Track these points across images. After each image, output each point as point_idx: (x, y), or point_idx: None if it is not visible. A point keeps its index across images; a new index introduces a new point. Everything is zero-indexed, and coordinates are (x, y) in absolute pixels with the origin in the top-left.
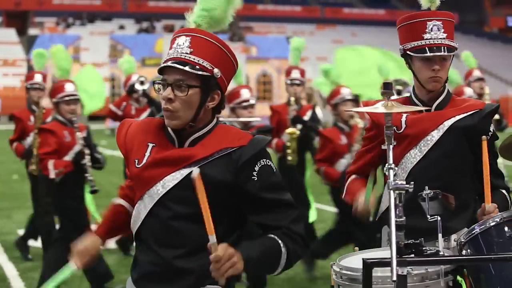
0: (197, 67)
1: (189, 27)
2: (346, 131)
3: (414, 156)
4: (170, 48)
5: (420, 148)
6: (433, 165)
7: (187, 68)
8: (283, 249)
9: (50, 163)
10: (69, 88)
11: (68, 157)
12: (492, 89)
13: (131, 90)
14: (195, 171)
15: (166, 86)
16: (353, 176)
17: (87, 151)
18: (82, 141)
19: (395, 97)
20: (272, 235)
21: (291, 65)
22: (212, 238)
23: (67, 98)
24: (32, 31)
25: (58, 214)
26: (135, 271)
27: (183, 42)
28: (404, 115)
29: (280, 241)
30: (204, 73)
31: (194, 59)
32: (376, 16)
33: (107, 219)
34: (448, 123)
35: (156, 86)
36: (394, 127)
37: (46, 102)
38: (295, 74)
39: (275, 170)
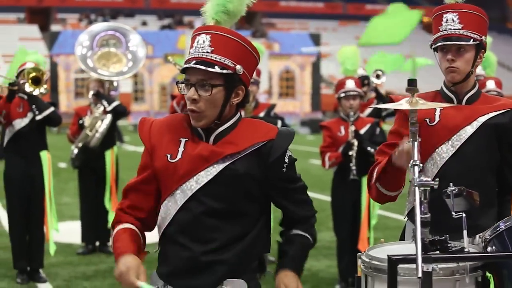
0: (220, 66)
1: (207, 24)
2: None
3: (446, 151)
4: (191, 47)
5: (452, 143)
6: (465, 161)
7: (209, 69)
8: (311, 239)
9: None
10: None
11: None
12: None
13: None
14: None
15: (190, 86)
16: None
17: None
18: None
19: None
20: (300, 232)
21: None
22: None
23: None
24: (54, 28)
25: None
26: (164, 267)
27: (204, 40)
28: (439, 108)
29: (307, 235)
30: (227, 71)
31: (216, 58)
32: None
33: (129, 241)
34: (481, 120)
35: (180, 85)
36: (427, 119)
37: None
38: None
39: (295, 159)
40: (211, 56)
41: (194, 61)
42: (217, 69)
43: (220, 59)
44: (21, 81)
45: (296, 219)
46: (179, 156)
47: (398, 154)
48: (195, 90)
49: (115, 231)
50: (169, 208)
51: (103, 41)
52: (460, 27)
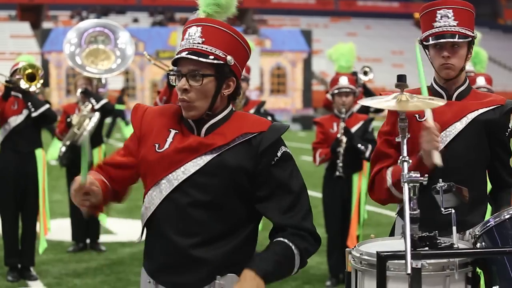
0: (210, 56)
1: (199, 17)
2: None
3: None
4: (182, 39)
5: (442, 139)
6: (455, 157)
7: (200, 58)
8: (295, 251)
9: None
10: None
11: None
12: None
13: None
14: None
15: (181, 77)
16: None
17: None
18: None
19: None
20: (282, 239)
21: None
22: None
23: None
24: (46, 25)
25: None
26: (149, 262)
27: (195, 32)
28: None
29: (291, 244)
30: (218, 61)
31: (206, 48)
32: (390, 8)
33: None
34: (471, 116)
35: (171, 77)
36: (416, 115)
37: None
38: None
39: (293, 157)
40: (202, 47)
41: (185, 52)
42: (208, 59)
43: (211, 50)
44: (17, 76)
45: (280, 226)
46: (166, 146)
47: (426, 138)
48: (186, 80)
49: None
50: (154, 197)
51: (91, 38)
52: (455, 24)
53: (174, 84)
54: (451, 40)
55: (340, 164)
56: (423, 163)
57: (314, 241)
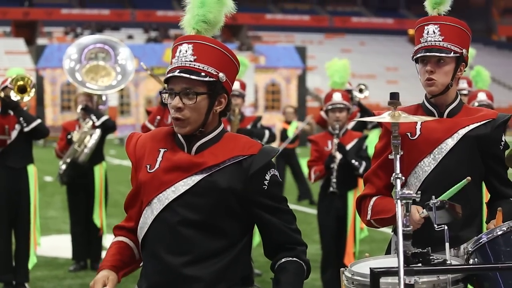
0: (203, 74)
1: (188, 34)
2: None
3: (428, 164)
4: (173, 57)
5: (434, 156)
6: (447, 174)
7: (193, 76)
8: (305, 267)
9: None
10: None
11: None
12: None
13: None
14: None
15: (174, 96)
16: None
17: None
18: None
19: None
20: (290, 258)
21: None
22: None
23: None
24: (40, 41)
25: None
26: (143, 282)
27: (186, 50)
28: (419, 122)
29: (301, 262)
30: (210, 79)
31: (199, 66)
32: (385, 25)
33: (112, 254)
34: (462, 132)
35: (164, 95)
36: (408, 133)
37: None
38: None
39: (280, 180)
40: (194, 65)
41: (177, 70)
42: (201, 77)
43: (203, 67)
44: (9, 86)
45: (282, 242)
46: (156, 166)
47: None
48: (180, 98)
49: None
50: (146, 217)
51: (91, 54)
52: (440, 39)
53: (166, 102)
54: (435, 54)
55: (334, 180)
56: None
57: (305, 248)
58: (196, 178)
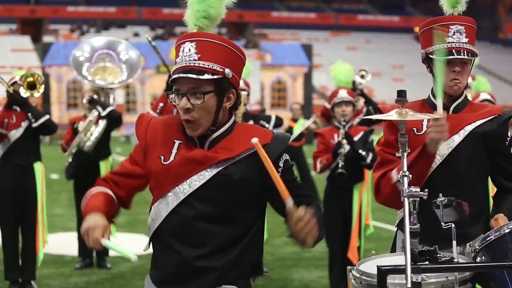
0: (209, 72)
1: (190, 31)
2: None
3: (434, 160)
4: (177, 56)
5: (440, 153)
6: (453, 170)
7: (199, 76)
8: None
9: None
10: None
11: None
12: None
13: None
14: (254, 140)
15: (181, 96)
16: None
17: None
18: None
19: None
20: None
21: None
22: (289, 201)
23: None
24: (46, 39)
25: None
26: (156, 272)
27: (189, 48)
28: (426, 118)
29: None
30: (217, 76)
31: (204, 64)
32: (391, 22)
33: (104, 204)
34: (468, 128)
35: (170, 96)
36: (414, 129)
37: None
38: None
39: (292, 163)
40: (199, 63)
41: (182, 70)
42: (207, 76)
43: (208, 65)
44: (18, 82)
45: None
46: (171, 158)
47: (434, 129)
48: (187, 99)
49: (91, 190)
50: (160, 210)
51: (99, 58)
52: (466, 41)
53: (174, 103)
54: (466, 57)
55: (342, 163)
56: (425, 152)
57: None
58: (211, 172)
